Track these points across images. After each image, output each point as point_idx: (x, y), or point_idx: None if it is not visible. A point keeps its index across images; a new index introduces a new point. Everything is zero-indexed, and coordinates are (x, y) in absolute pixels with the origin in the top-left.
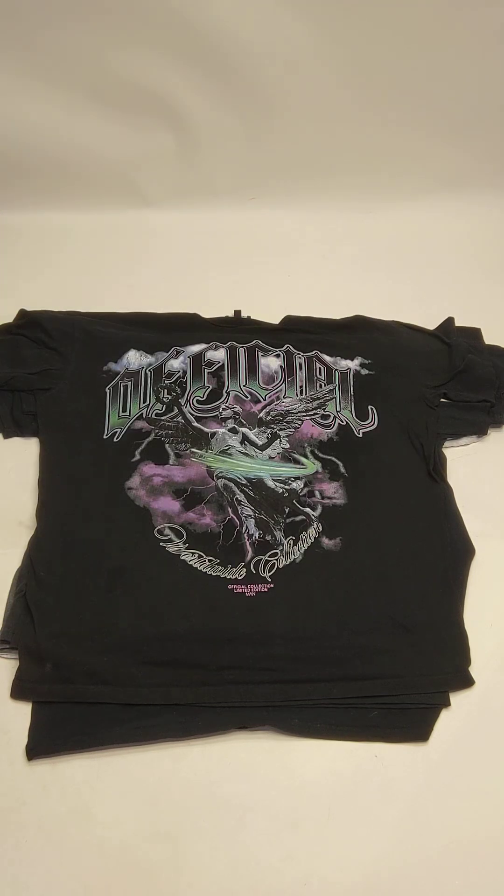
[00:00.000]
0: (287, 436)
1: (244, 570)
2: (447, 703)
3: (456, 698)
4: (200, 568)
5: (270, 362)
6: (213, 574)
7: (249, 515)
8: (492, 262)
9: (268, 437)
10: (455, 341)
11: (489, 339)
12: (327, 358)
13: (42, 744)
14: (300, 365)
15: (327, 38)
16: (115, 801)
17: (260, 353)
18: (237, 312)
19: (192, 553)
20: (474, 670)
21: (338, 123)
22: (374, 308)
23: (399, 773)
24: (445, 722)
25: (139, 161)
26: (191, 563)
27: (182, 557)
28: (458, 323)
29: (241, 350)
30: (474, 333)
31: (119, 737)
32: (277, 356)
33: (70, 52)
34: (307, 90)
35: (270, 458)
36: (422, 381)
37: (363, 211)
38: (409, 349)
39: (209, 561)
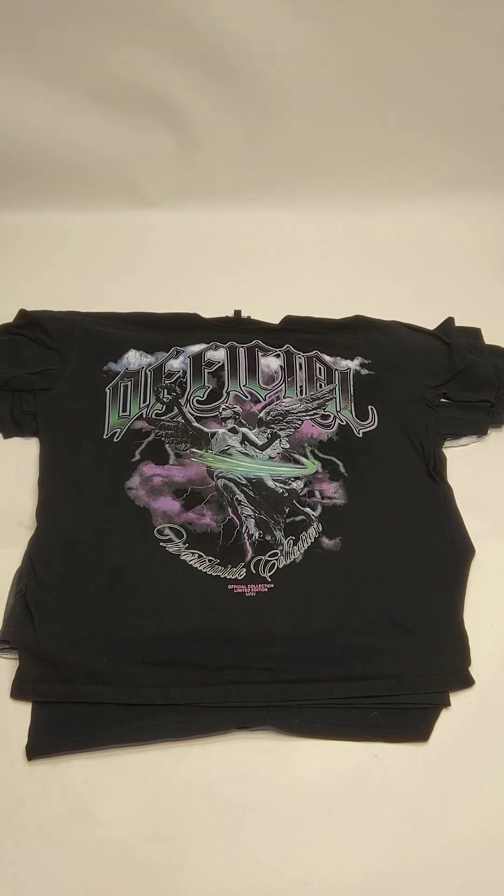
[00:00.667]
0: (287, 436)
1: (244, 570)
2: (447, 703)
3: (456, 698)
4: (200, 568)
5: (270, 362)
6: (213, 574)
7: (249, 515)
8: (492, 262)
9: (268, 437)
10: (455, 341)
11: (489, 339)
12: (327, 358)
13: (42, 744)
14: (300, 365)
15: (327, 38)
16: (115, 801)
17: (260, 353)
18: (237, 312)
19: (192, 553)
20: (474, 670)
21: (338, 123)
22: (374, 308)
23: (399, 773)
24: (445, 722)
25: (139, 161)
26: (191, 563)
27: (182, 557)
28: (458, 323)
29: (241, 350)
30: (474, 333)
31: (119, 737)
32: (277, 356)
33: (70, 52)
34: (307, 90)
35: (270, 458)
36: (422, 381)
37: (363, 211)
38: (409, 349)
39: (209, 561)
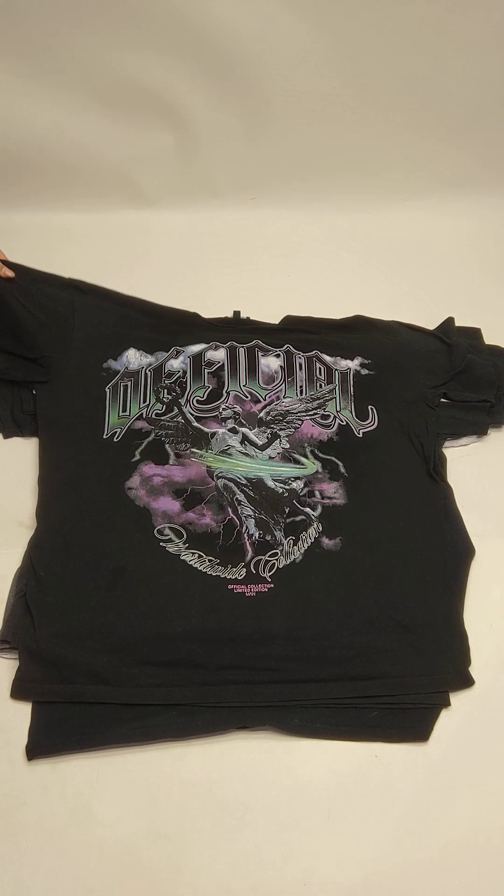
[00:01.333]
0: (287, 436)
1: (244, 570)
2: (447, 703)
3: (456, 698)
4: (200, 568)
5: (270, 362)
6: (213, 574)
7: (249, 515)
8: (492, 262)
9: (268, 438)
10: (455, 341)
11: (489, 339)
12: (327, 358)
13: (42, 744)
14: (300, 365)
15: (327, 38)
16: (115, 801)
17: (260, 353)
18: (236, 313)
19: (193, 553)
20: (474, 670)
21: (338, 123)
22: (374, 308)
23: (399, 773)
24: (445, 722)
25: (139, 161)
26: (191, 563)
27: (182, 557)
28: (458, 323)
29: (241, 350)
30: (474, 333)
31: (119, 737)
32: (277, 356)
33: (71, 53)
34: (307, 90)
35: (270, 458)
36: (422, 380)
37: (363, 211)
38: (409, 349)
39: (209, 561)
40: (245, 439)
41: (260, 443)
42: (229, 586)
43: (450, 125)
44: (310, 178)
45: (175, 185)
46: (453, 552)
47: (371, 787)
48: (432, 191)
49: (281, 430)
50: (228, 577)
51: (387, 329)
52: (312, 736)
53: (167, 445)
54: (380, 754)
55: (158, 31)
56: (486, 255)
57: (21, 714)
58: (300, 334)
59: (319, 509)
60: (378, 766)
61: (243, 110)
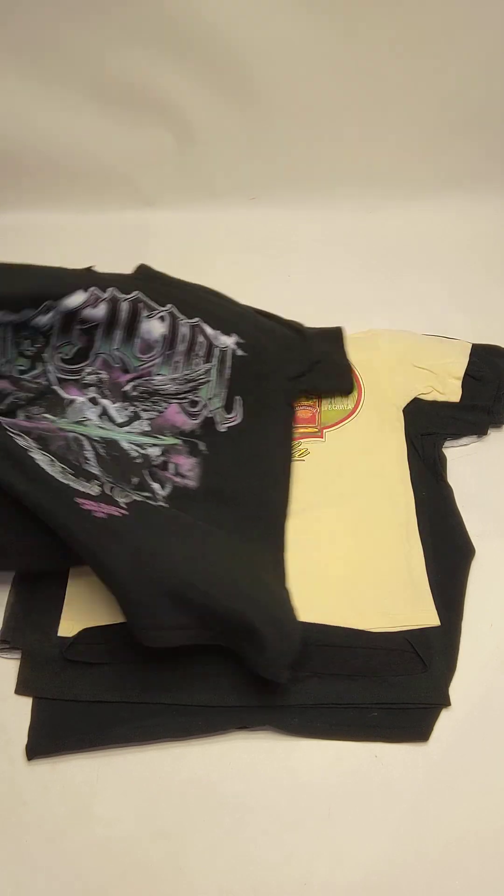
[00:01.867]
0: (149, 419)
1: (98, 488)
2: (447, 703)
3: (456, 698)
4: (50, 472)
5: (153, 328)
6: (65, 482)
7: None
8: (492, 262)
9: (128, 417)
10: (307, 332)
11: (489, 338)
12: (209, 330)
13: (42, 744)
14: (183, 336)
15: (328, 37)
16: (115, 801)
17: (144, 313)
18: (90, 268)
19: (44, 455)
20: (474, 670)
21: (338, 123)
22: (374, 308)
23: (399, 773)
24: (445, 722)
25: (139, 161)
26: (39, 462)
27: (31, 454)
28: (457, 322)
29: (124, 305)
30: (335, 334)
31: (119, 737)
32: (162, 319)
33: (70, 53)
34: (307, 90)
35: (129, 432)
36: (284, 370)
37: (363, 211)
38: (272, 332)
39: (62, 469)
40: (104, 413)
41: (119, 420)
42: (76, 499)
43: (450, 125)
44: (310, 178)
45: (175, 185)
46: (453, 552)
47: (371, 787)
48: (432, 191)
49: (144, 410)
50: (80, 490)
51: (244, 307)
52: (312, 736)
53: (19, 410)
54: (380, 754)
55: (158, 31)
56: (486, 255)
57: (21, 714)
58: (180, 291)
59: (169, 488)
60: (378, 766)
61: (243, 110)
